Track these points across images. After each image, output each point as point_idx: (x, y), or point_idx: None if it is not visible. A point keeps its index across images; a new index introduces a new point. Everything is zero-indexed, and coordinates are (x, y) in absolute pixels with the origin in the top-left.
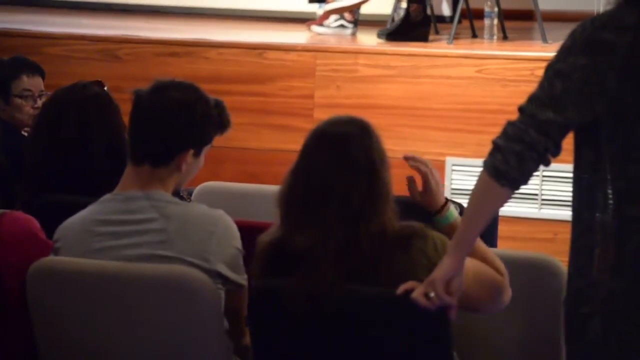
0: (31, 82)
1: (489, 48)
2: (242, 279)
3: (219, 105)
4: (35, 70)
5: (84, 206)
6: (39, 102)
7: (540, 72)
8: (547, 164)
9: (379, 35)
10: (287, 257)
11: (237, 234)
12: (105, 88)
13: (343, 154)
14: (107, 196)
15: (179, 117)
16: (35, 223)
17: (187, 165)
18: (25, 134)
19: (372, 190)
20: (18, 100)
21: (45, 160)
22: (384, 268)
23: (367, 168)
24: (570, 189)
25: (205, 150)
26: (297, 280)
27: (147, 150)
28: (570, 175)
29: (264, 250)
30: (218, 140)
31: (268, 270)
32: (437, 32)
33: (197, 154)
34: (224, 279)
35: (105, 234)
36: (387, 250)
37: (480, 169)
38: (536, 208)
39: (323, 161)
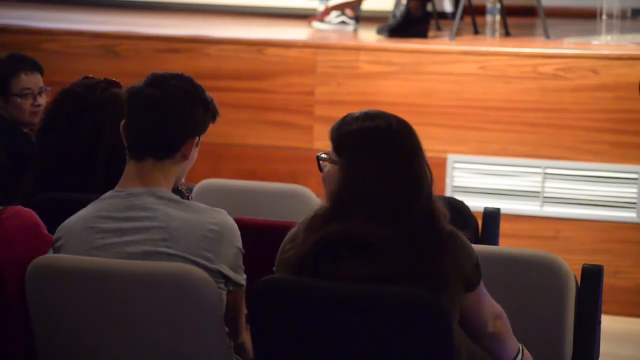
0: (30, 80)
1: (491, 44)
2: (241, 278)
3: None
4: (34, 67)
5: (83, 204)
6: (39, 100)
7: (543, 69)
8: None
9: (379, 32)
10: (350, 247)
11: (238, 234)
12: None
13: (406, 143)
14: (108, 193)
15: (184, 105)
16: (37, 218)
17: (191, 154)
18: (26, 130)
19: (428, 178)
20: (18, 100)
21: (53, 153)
22: (442, 262)
23: (423, 156)
24: (572, 186)
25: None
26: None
27: (151, 143)
28: (572, 172)
29: (324, 239)
30: (218, 137)
31: (321, 260)
32: (439, 29)
33: (197, 143)
34: (226, 279)
35: (108, 231)
36: (443, 245)
37: (481, 166)
38: (538, 206)
39: (390, 154)
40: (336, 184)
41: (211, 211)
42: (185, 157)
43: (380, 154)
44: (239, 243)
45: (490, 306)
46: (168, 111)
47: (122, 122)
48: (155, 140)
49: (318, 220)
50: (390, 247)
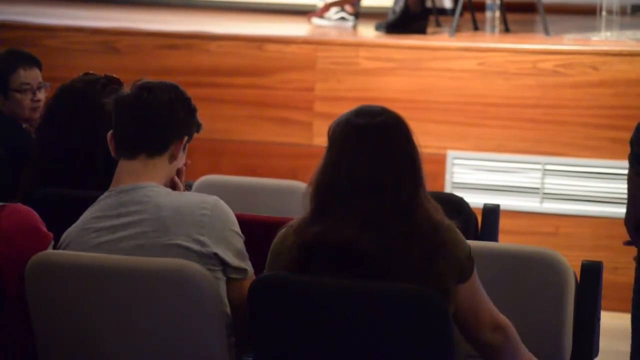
0: (29, 75)
1: (491, 41)
2: (243, 264)
3: None
4: (32, 62)
5: (83, 200)
6: (39, 95)
7: (543, 65)
8: None
9: (377, 28)
10: (333, 251)
11: (233, 218)
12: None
13: (388, 145)
14: (103, 195)
15: (170, 104)
16: (36, 215)
17: (179, 156)
18: (25, 126)
19: (417, 179)
20: (17, 95)
21: (53, 149)
22: (438, 260)
23: (410, 157)
24: (572, 182)
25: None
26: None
27: (139, 141)
28: (572, 169)
29: (305, 244)
30: (217, 133)
31: (309, 264)
32: (438, 25)
33: (185, 147)
34: (224, 265)
35: (102, 229)
36: (437, 242)
37: (481, 163)
38: (538, 202)
39: (368, 154)
40: (314, 176)
41: (201, 196)
42: (174, 157)
43: (361, 150)
44: (235, 227)
45: (489, 313)
46: (154, 110)
47: (109, 133)
48: (144, 138)
49: (304, 220)
50: (381, 253)
